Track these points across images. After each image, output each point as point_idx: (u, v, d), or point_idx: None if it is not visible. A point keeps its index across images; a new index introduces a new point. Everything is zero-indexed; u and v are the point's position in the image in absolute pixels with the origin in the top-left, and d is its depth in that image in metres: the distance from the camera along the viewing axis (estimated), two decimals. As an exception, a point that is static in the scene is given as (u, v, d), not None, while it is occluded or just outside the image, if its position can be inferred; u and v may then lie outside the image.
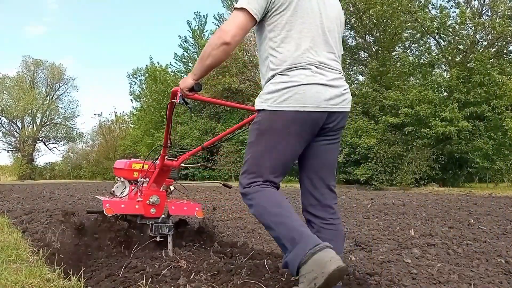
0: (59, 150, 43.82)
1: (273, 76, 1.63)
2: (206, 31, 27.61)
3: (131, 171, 2.77)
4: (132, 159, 3.01)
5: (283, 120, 1.58)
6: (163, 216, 2.55)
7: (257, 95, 1.71)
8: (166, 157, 2.55)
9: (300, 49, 1.60)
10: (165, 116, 2.03)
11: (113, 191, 3.03)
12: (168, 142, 2.35)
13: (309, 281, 1.34)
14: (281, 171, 1.65)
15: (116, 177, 3.12)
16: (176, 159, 2.63)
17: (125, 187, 2.92)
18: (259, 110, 1.65)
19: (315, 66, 1.59)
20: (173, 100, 1.91)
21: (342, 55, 1.82)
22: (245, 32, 1.60)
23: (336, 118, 1.66)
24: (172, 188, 2.92)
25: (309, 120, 1.58)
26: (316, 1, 1.67)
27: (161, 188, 2.71)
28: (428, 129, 12.92)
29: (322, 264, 1.32)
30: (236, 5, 1.60)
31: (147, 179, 2.66)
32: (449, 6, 14.82)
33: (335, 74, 1.65)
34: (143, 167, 2.71)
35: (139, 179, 2.65)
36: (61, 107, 36.25)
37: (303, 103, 1.55)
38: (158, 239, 2.50)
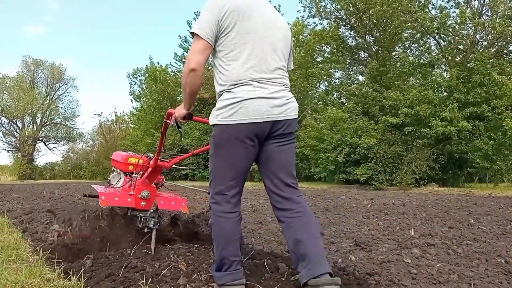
0: (59, 150, 43.89)
1: (221, 92, 1.86)
2: (206, 31, 27.56)
3: (127, 165, 3.00)
4: (129, 152, 3.24)
5: (232, 132, 1.81)
6: (151, 210, 2.75)
7: None
8: (160, 158, 2.80)
9: (243, 67, 1.81)
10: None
11: (109, 180, 3.24)
12: (162, 149, 2.64)
13: None
14: (241, 176, 1.90)
15: (113, 167, 3.32)
16: (169, 160, 2.88)
17: (120, 178, 3.16)
18: (213, 125, 1.87)
19: (257, 82, 1.82)
20: (167, 121, 2.15)
21: (293, 68, 2.08)
22: (205, 55, 1.81)
23: (283, 125, 1.87)
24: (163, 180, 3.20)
25: (254, 129, 1.81)
26: (262, 22, 1.87)
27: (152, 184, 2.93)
28: (428, 129, 12.92)
29: None
30: (191, 30, 1.84)
31: (141, 172, 2.91)
32: (449, 6, 14.83)
33: (278, 87, 1.88)
34: (138, 162, 2.96)
35: (133, 175, 2.89)
36: (61, 107, 36.20)
37: (247, 116, 1.78)
38: (145, 230, 2.73)
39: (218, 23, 1.80)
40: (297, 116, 1.94)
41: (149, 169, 2.80)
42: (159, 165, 2.77)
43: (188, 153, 2.95)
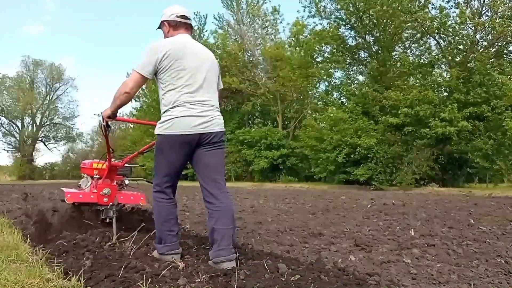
0: (59, 150, 43.84)
1: (164, 112, 2.43)
2: (206, 31, 27.62)
3: (92, 170, 3.49)
4: (94, 159, 3.76)
5: (168, 141, 2.40)
6: (111, 203, 3.21)
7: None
8: (113, 159, 3.30)
9: (178, 93, 2.39)
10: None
11: (80, 185, 3.78)
12: (111, 150, 3.13)
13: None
14: (175, 175, 2.52)
15: (82, 174, 3.86)
16: (122, 160, 3.42)
17: (88, 182, 3.63)
18: (157, 134, 2.46)
19: (189, 104, 2.39)
20: (103, 123, 2.66)
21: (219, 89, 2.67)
22: (140, 85, 2.46)
23: (209, 136, 2.43)
24: (127, 182, 3.68)
25: (185, 140, 2.38)
26: (193, 59, 2.45)
27: (114, 182, 3.42)
28: (428, 129, 12.91)
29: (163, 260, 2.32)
30: (134, 67, 2.41)
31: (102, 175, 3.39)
32: (449, 6, 14.80)
33: (206, 107, 2.44)
34: (99, 166, 3.45)
35: (94, 176, 3.41)
36: (61, 107, 36.18)
37: (178, 129, 2.36)
38: (107, 220, 3.18)
39: (157, 63, 2.38)
40: (221, 130, 2.52)
41: (106, 170, 3.29)
42: (114, 165, 3.29)
43: (135, 153, 3.47)
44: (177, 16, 2.59)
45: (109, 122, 2.68)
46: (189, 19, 2.67)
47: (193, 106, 2.39)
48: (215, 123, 2.46)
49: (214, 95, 2.56)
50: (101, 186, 3.28)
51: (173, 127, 2.36)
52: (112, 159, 3.34)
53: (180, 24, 2.61)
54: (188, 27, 2.66)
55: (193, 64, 2.44)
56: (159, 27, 2.69)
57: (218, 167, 2.50)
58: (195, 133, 2.38)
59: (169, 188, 2.49)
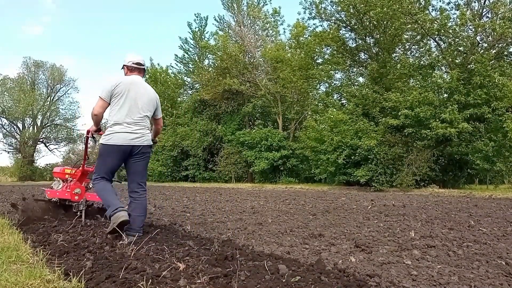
0: (60, 151, 43.55)
1: (108, 126, 3.35)
2: (207, 33, 27.67)
3: (64, 174, 4.50)
4: (65, 166, 4.72)
5: (107, 149, 3.34)
6: (81, 200, 4.21)
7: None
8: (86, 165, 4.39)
9: (120, 115, 3.35)
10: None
11: (52, 187, 4.62)
12: (87, 157, 4.21)
13: (111, 224, 3.09)
14: (110, 173, 3.44)
15: (54, 177, 4.78)
16: (92, 167, 4.29)
17: (60, 184, 4.56)
18: (100, 143, 3.38)
19: (126, 123, 3.35)
20: (88, 135, 3.91)
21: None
22: (103, 108, 3.41)
23: (138, 148, 3.37)
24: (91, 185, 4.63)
25: (121, 149, 3.32)
26: (135, 92, 3.41)
27: (83, 184, 4.45)
28: (428, 131, 12.90)
29: (116, 218, 3.08)
30: (99, 94, 3.38)
31: (74, 178, 4.43)
32: (449, 7, 14.79)
33: (138, 127, 3.39)
34: (71, 171, 4.47)
35: (68, 179, 4.45)
36: (62, 108, 36.11)
37: (117, 141, 3.31)
38: (78, 213, 4.12)
39: (111, 92, 3.35)
40: (149, 144, 3.47)
41: (80, 174, 4.24)
42: (86, 170, 4.24)
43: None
44: (133, 63, 3.57)
45: (94, 135, 3.76)
46: (143, 65, 3.63)
47: (129, 125, 3.32)
48: (144, 139, 3.41)
49: (147, 119, 3.51)
50: (73, 187, 4.27)
51: (113, 139, 3.28)
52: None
53: (135, 68, 3.58)
54: (141, 71, 3.63)
55: (134, 96, 3.37)
56: (122, 68, 3.64)
57: (143, 173, 3.51)
58: (128, 145, 3.30)
59: (105, 179, 3.38)
